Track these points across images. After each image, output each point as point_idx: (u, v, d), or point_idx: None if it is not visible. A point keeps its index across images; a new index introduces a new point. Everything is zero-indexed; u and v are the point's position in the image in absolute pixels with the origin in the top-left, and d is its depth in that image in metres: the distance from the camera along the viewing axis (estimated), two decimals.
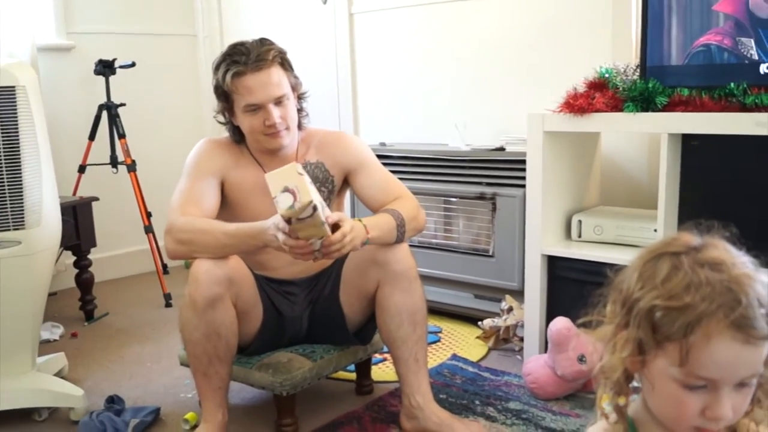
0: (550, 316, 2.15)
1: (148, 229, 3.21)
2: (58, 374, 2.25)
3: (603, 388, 0.87)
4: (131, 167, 3.19)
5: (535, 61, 2.78)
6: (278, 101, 1.84)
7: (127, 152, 3.18)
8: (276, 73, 1.84)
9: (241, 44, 1.85)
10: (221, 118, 1.95)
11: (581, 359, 1.98)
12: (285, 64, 1.88)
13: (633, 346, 0.81)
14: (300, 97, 1.96)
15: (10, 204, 1.86)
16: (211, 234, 1.74)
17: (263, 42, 1.87)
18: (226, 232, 1.74)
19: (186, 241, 1.75)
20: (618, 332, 0.84)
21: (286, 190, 1.54)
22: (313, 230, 1.59)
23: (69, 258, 3.03)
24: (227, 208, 1.93)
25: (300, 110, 1.97)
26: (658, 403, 0.83)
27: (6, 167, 1.84)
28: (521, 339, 2.33)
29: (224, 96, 1.88)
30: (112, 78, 3.23)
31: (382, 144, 3.00)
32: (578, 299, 2.27)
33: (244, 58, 1.81)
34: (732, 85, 1.82)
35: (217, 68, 1.87)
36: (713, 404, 0.78)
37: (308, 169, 1.97)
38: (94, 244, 3.00)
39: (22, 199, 1.87)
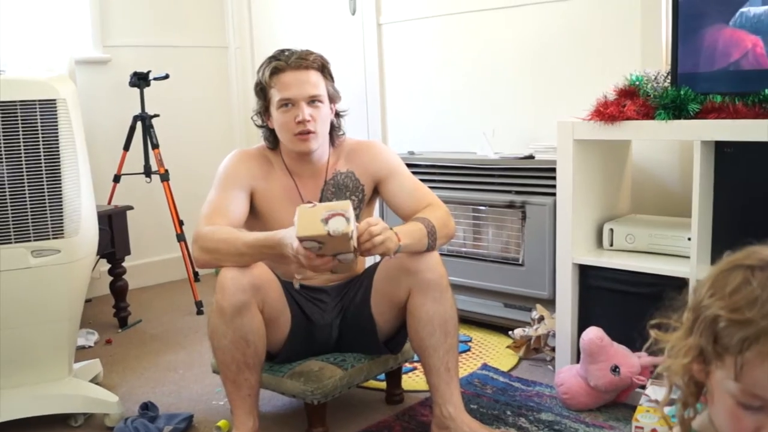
0: (582, 326, 2.13)
1: (180, 238, 3.25)
2: (93, 380, 2.28)
3: (678, 395, 0.87)
4: (164, 177, 3.24)
5: (563, 68, 2.77)
6: (311, 101, 1.88)
7: (160, 162, 3.24)
8: (314, 75, 1.90)
9: (287, 48, 1.93)
10: (258, 120, 1.99)
11: (614, 370, 1.96)
12: (325, 72, 1.94)
13: (695, 353, 0.81)
14: (338, 114, 1.99)
15: (50, 213, 1.90)
16: (231, 243, 1.76)
17: (308, 50, 1.93)
18: (245, 241, 1.75)
19: (209, 250, 1.78)
20: (685, 337, 0.84)
21: (329, 217, 1.55)
22: (344, 243, 1.60)
23: (104, 266, 3.09)
24: (257, 218, 1.95)
25: (337, 128, 2.00)
26: (716, 415, 0.83)
27: (47, 178, 1.88)
28: (552, 349, 2.32)
29: (262, 93, 1.93)
30: (146, 90, 3.29)
31: (411, 153, 3.01)
32: (610, 308, 2.27)
33: (286, 57, 1.89)
34: (767, 91, 1.80)
35: (260, 68, 1.94)
36: None
37: (339, 178, 1.99)
38: (128, 252, 3.06)
39: (61, 208, 1.91)
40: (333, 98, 1.96)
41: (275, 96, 1.89)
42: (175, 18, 3.75)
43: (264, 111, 1.96)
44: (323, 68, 1.93)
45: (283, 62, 1.88)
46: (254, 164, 1.98)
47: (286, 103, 1.88)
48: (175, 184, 3.33)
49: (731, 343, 0.76)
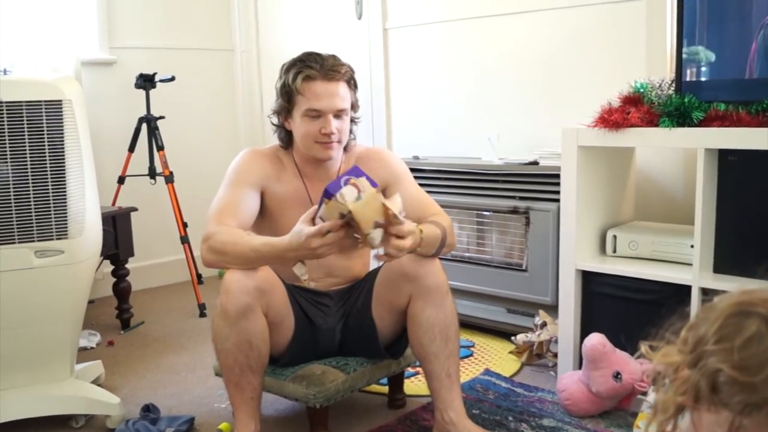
0: (584, 332, 2.13)
1: (184, 240, 3.26)
2: (95, 382, 2.28)
3: (653, 418, 0.84)
4: (169, 179, 3.25)
5: (568, 75, 2.77)
6: (338, 114, 1.89)
7: (165, 164, 3.24)
8: (343, 88, 1.90)
9: (317, 54, 1.92)
10: (275, 120, 1.99)
11: (616, 376, 1.96)
12: (351, 83, 1.94)
13: (691, 393, 0.77)
14: (353, 120, 2.00)
15: (54, 214, 1.90)
16: (240, 246, 1.75)
17: (336, 57, 1.93)
18: (253, 246, 1.74)
19: (218, 251, 1.78)
20: (681, 369, 0.79)
21: (344, 184, 1.54)
22: (373, 212, 1.56)
23: (107, 267, 3.09)
24: (266, 218, 1.96)
25: (350, 132, 2.01)
26: None
27: (51, 178, 1.89)
28: (555, 355, 2.32)
29: (287, 96, 1.92)
30: (152, 91, 3.30)
31: (416, 157, 3.01)
32: (613, 315, 2.27)
33: (318, 66, 1.88)
34: None
35: (288, 69, 1.92)
36: None
37: None
38: (132, 254, 3.06)
39: (65, 209, 1.91)
40: (354, 108, 1.97)
41: (303, 104, 1.88)
42: (181, 20, 3.76)
43: (285, 112, 1.95)
44: (350, 79, 1.94)
45: (315, 71, 1.87)
46: (266, 163, 1.98)
47: (314, 114, 1.88)
48: (180, 186, 3.34)
49: (731, 401, 0.72)
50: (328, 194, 1.56)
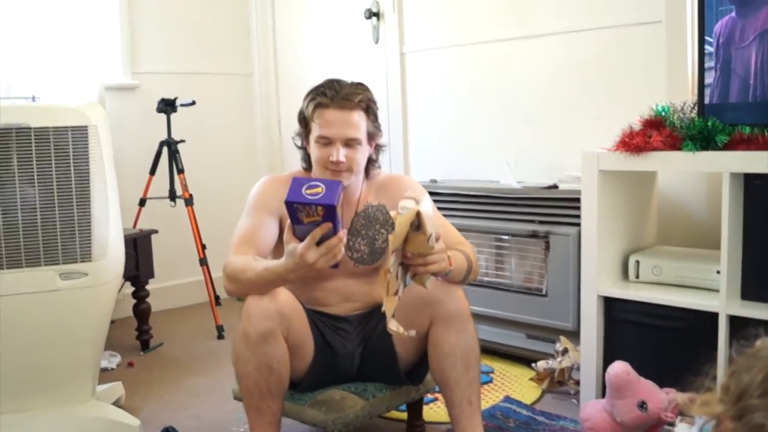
0: (607, 359, 2.10)
1: (203, 261, 3.27)
2: (115, 403, 2.29)
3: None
4: (189, 201, 3.28)
5: (587, 98, 2.77)
6: (349, 143, 1.88)
7: (185, 187, 3.27)
8: (357, 116, 1.89)
9: (337, 81, 1.92)
10: (297, 141, 2.01)
11: (641, 406, 1.92)
12: (369, 112, 1.93)
13: None
14: (377, 148, 2.00)
15: (79, 237, 1.93)
16: (247, 273, 1.75)
17: (358, 85, 1.92)
18: (257, 272, 1.73)
19: (232, 279, 1.78)
20: (724, 421, 0.77)
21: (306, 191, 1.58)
22: (421, 245, 1.60)
23: (127, 288, 3.11)
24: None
25: (374, 161, 2.01)
26: None
27: (77, 202, 1.91)
28: (577, 382, 2.28)
29: (304, 122, 1.94)
30: (172, 115, 3.34)
31: (433, 181, 3.02)
32: (637, 342, 2.22)
33: (332, 93, 1.87)
34: None
35: (306, 96, 1.94)
36: None
37: (370, 210, 2.00)
38: (152, 275, 3.08)
39: (89, 232, 1.94)
40: (373, 137, 1.96)
41: (315, 130, 1.89)
42: (201, 45, 3.82)
43: (304, 136, 1.97)
44: (367, 108, 1.92)
45: (328, 99, 1.87)
46: (284, 190, 1.98)
47: (324, 141, 1.88)
48: (199, 208, 3.36)
49: None
50: (291, 204, 1.55)
